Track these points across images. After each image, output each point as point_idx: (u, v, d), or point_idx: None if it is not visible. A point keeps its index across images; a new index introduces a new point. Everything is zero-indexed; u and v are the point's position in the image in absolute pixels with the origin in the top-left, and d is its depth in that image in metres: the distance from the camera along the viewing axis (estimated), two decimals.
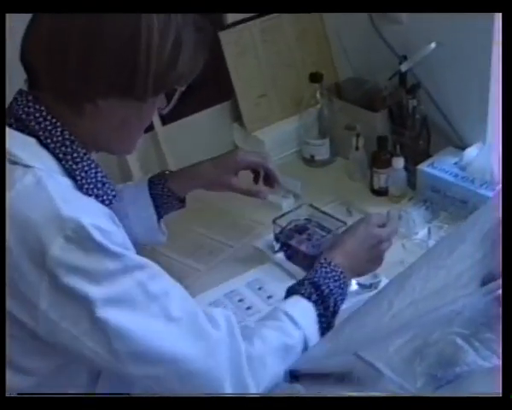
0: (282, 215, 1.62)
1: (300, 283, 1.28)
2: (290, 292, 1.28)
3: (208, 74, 1.82)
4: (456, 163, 1.71)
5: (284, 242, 1.60)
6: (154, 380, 1.11)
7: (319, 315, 1.24)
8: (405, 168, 1.74)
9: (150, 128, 1.81)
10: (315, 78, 1.85)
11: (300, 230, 1.62)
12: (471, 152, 1.69)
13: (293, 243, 1.59)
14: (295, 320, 1.21)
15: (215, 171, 1.51)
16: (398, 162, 1.72)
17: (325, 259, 1.32)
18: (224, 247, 1.66)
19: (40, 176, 1.06)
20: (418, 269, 1.10)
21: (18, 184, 1.05)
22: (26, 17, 1.11)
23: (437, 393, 0.94)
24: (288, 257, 1.60)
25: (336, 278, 1.28)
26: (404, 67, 1.73)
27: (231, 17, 1.87)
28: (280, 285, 1.48)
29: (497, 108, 1.67)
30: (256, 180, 1.54)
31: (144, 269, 1.09)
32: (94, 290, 1.04)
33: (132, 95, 1.11)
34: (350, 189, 1.82)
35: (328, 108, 1.88)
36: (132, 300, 1.07)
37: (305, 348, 1.20)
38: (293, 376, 1.05)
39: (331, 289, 1.26)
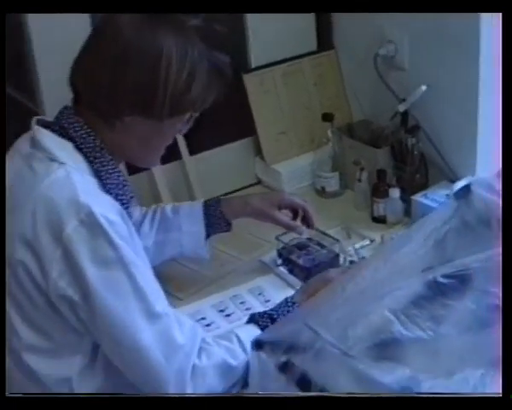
0: (285, 233, 1.83)
1: (261, 314, 1.47)
2: (251, 319, 1.46)
3: (233, 112, 2.10)
4: (447, 194, 1.88)
5: (286, 257, 1.81)
6: (117, 357, 1.33)
7: None
8: (402, 198, 1.93)
9: (179, 157, 2.06)
10: (326, 117, 2.07)
11: (301, 247, 1.82)
12: (461, 184, 1.87)
13: (293, 257, 1.80)
14: (244, 346, 1.37)
15: (263, 204, 1.74)
16: (394, 192, 1.92)
17: (291, 298, 1.50)
18: (234, 260, 1.88)
19: (70, 171, 1.31)
20: (369, 262, 1.30)
21: (52, 175, 1.31)
22: None
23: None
24: (290, 271, 1.80)
25: None
26: (401, 108, 1.94)
27: (255, 61, 2.12)
28: (278, 292, 1.71)
29: (486, 145, 1.87)
30: (294, 218, 1.76)
31: (137, 266, 1.30)
32: (92, 270, 1.26)
33: (151, 114, 1.35)
34: (354, 217, 2.02)
35: (339, 146, 2.09)
36: (121, 289, 1.29)
37: (246, 372, 1.36)
38: (258, 345, 1.24)
39: None
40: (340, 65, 2.23)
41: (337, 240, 1.78)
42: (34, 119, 1.41)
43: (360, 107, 2.18)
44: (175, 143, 1.90)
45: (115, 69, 1.32)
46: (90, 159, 1.37)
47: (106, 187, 1.37)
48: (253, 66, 2.13)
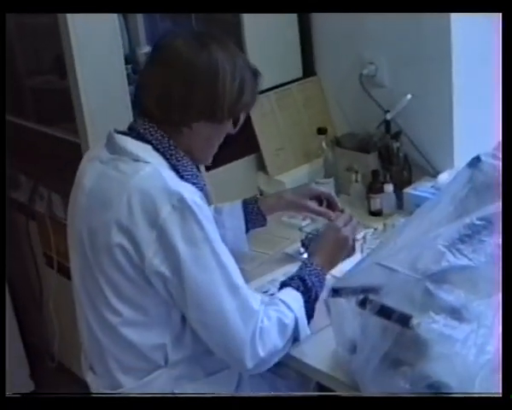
0: (307, 225, 2.15)
1: (291, 277, 1.75)
2: (284, 284, 1.74)
3: (239, 133, 2.41)
4: (432, 186, 2.25)
5: (309, 244, 2.12)
6: (202, 325, 1.59)
7: (305, 302, 1.68)
8: (394, 193, 2.29)
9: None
10: (321, 131, 2.42)
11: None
12: (443, 176, 2.24)
13: None
14: (289, 305, 1.65)
15: (295, 196, 2.04)
16: (389, 187, 2.27)
17: (308, 260, 1.81)
18: (262, 255, 2.17)
19: (156, 167, 1.58)
20: (408, 223, 1.64)
21: (141, 172, 1.56)
22: None
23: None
24: None
25: (316, 274, 1.75)
26: (389, 116, 2.31)
27: None
28: None
29: (461, 141, 2.25)
30: (320, 206, 2.03)
31: (220, 244, 1.58)
32: (184, 248, 1.53)
33: (214, 118, 1.65)
34: (352, 213, 2.33)
35: (332, 155, 2.44)
36: (207, 264, 1.55)
37: (296, 326, 1.64)
38: (334, 291, 1.55)
39: (313, 283, 1.72)
40: (322, 88, 2.59)
41: None
42: (112, 129, 1.68)
43: (346, 121, 2.54)
44: None
45: (183, 87, 1.61)
46: (167, 156, 1.64)
47: (183, 178, 1.64)
48: None
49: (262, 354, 1.58)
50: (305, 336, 1.68)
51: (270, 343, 1.60)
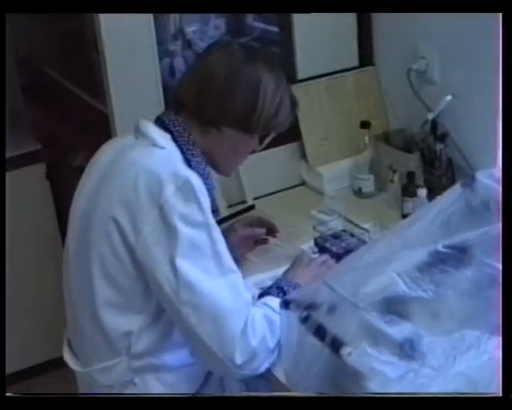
0: (321, 224, 2.06)
1: (271, 287, 1.75)
2: (264, 294, 1.73)
3: None
4: None
5: (322, 245, 2.04)
6: (192, 308, 1.54)
7: None
8: (429, 198, 2.14)
9: None
10: (364, 125, 2.30)
11: (335, 236, 2.05)
12: None
13: (327, 245, 2.02)
14: (273, 308, 1.62)
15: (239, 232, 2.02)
16: (422, 192, 2.12)
17: (284, 278, 1.79)
18: (276, 247, 2.10)
19: (169, 152, 1.62)
20: (384, 237, 1.53)
21: (155, 154, 1.61)
22: None
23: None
24: None
25: (294, 286, 1.72)
26: (429, 116, 2.16)
27: (301, 74, 2.37)
28: None
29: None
30: None
31: (217, 232, 1.58)
32: (181, 227, 1.52)
33: (246, 129, 1.68)
34: (386, 215, 2.21)
35: (375, 151, 2.32)
36: (202, 246, 1.54)
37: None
38: (285, 303, 1.47)
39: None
40: (379, 79, 2.46)
41: (366, 230, 2.00)
42: (140, 119, 1.72)
43: (395, 116, 2.40)
44: None
45: (226, 87, 1.65)
46: (184, 149, 1.66)
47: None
48: (300, 78, 2.37)
49: (254, 343, 1.54)
50: None
51: (260, 333, 1.56)
